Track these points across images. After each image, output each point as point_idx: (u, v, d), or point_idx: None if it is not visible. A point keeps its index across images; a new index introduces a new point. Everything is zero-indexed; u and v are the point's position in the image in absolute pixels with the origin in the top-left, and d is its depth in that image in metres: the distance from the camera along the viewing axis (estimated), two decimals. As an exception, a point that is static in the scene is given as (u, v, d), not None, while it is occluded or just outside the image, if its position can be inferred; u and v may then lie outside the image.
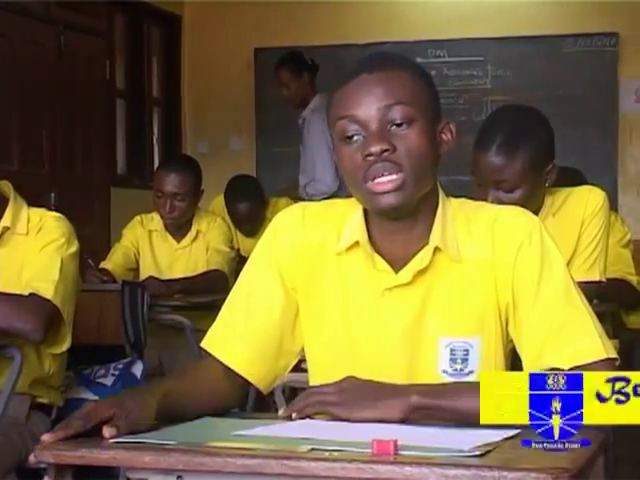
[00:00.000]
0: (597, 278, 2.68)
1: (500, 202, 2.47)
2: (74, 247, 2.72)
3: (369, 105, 1.59)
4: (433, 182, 1.65)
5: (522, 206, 2.43)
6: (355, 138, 1.60)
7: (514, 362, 1.66)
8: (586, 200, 2.68)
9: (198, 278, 4.10)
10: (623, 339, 4.00)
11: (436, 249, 1.62)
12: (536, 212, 2.53)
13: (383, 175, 1.57)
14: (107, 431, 1.39)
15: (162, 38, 7.72)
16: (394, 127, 1.58)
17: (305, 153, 5.81)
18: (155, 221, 4.22)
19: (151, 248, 4.22)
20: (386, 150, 1.57)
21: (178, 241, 4.22)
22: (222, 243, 4.23)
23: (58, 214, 2.78)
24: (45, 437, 1.39)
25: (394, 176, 1.57)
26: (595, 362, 1.53)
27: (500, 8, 7.19)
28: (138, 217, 4.32)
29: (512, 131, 2.53)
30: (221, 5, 7.55)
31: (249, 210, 5.00)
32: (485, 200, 2.47)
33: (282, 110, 7.46)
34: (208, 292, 3.98)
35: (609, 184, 6.31)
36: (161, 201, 4.12)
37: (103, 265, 4.15)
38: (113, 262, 4.17)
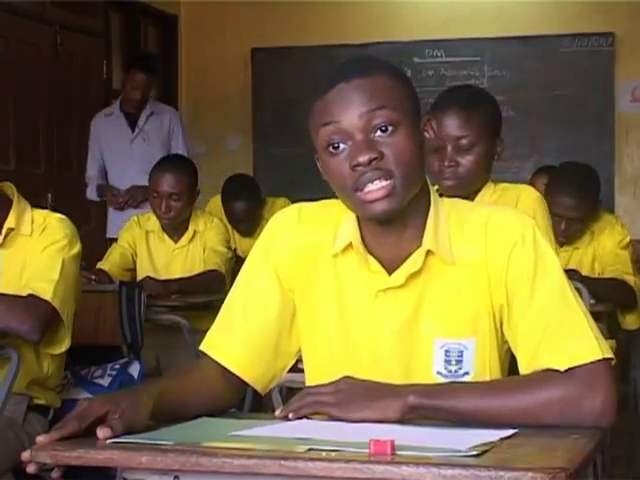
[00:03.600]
0: None
1: (456, 164, 2.56)
2: (76, 248, 2.73)
3: (351, 113, 1.57)
4: (422, 183, 1.64)
5: (468, 177, 2.55)
6: (341, 148, 1.58)
7: (511, 363, 1.66)
8: (515, 199, 2.67)
9: (195, 278, 4.10)
10: (620, 339, 4.02)
11: (429, 251, 1.62)
12: (472, 197, 2.58)
13: (374, 182, 1.56)
14: (101, 432, 1.39)
15: (159, 38, 7.72)
16: (379, 133, 1.57)
17: (162, 147, 5.63)
18: (152, 221, 4.22)
19: (148, 248, 4.22)
20: (374, 159, 1.56)
21: (175, 241, 4.22)
22: (219, 243, 4.23)
23: (62, 215, 2.79)
24: (40, 438, 1.39)
25: (384, 182, 1.56)
26: (591, 363, 1.52)
27: (497, 8, 7.20)
28: (135, 217, 4.33)
29: (471, 93, 2.70)
30: (218, 5, 7.55)
31: (246, 210, 5.01)
32: (440, 165, 2.56)
33: (279, 110, 7.49)
34: (205, 292, 3.98)
35: (605, 184, 6.32)
36: (157, 201, 4.11)
37: (100, 266, 4.15)
38: (110, 263, 4.17)
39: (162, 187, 4.10)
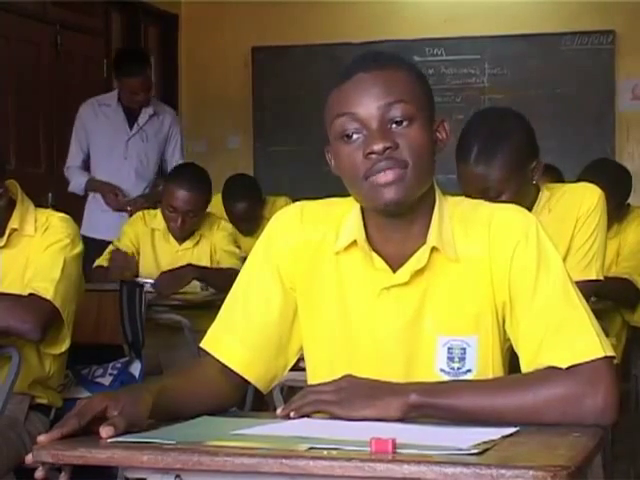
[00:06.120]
0: (594, 277, 2.68)
1: None
2: (78, 248, 2.73)
3: (369, 103, 1.58)
4: (431, 181, 1.65)
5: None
6: (355, 137, 1.59)
7: (512, 361, 1.66)
8: (581, 197, 2.67)
9: (219, 271, 4.04)
10: (621, 337, 4.00)
11: (433, 248, 1.62)
12: (530, 207, 2.53)
13: (386, 171, 1.57)
14: (104, 431, 1.39)
15: (159, 37, 7.72)
16: (394, 125, 1.59)
17: (159, 149, 5.30)
18: (158, 220, 4.18)
19: (152, 247, 4.19)
20: (389, 148, 1.57)
21: (180, 243, 4.20)
22: (230, 243, 4.23)
23: (64, 215, 2.79)
24: (41, 438, 1.39)
25: (396, 170, 1.57)
26: (593, 361, 1.52)
27: (497, 6, 7.20)
28: (140, 213, 4.28)
29: (488, 138, 2.50)
30: (218, 4, 7.55)
31: (247, 209, 5.00)
32: None
33: (280, 109, 7.49)
34: (222, 289, 3.92)
35: (606, 182, 6.31)
36: (172, 215, 4.08)
37: (100, 263, 4.12)
38: (109, 261, 4.14)
39: (179, 203, 4.05)
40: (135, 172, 5.24)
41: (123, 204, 5.13)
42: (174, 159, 5.35)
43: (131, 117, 5.27)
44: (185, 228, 4.12)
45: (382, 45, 7.00)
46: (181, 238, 4.18)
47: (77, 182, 5.19)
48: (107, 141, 5.23)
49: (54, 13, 6.04)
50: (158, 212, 4.20)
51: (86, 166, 5.23)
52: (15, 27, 5.74)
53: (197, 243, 4.20)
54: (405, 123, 1.58)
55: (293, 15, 7.43)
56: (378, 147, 1.56)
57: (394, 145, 1.57)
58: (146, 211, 4.28)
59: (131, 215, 5.07)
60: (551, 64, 7.07)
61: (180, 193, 4.07)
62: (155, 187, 5.28)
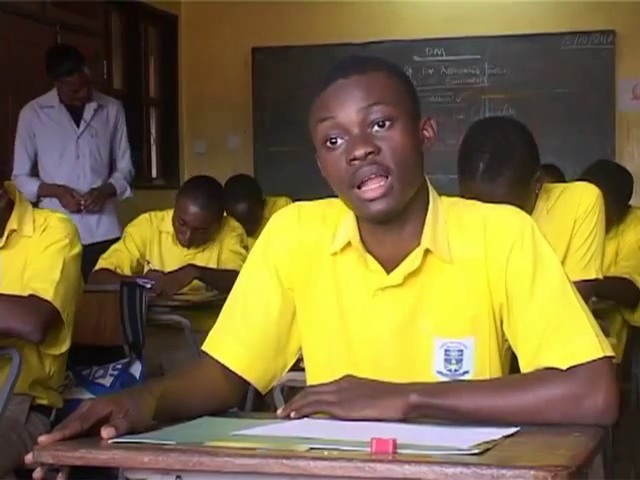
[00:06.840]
0: (593, 276, 2.68)
1: None
2: (77, 248, 2.73)
3: (349, 108, 1.58)
4: (421, 181, 1.64)
5: None
6: (338, 143, 1.59)
7: (512, 362, 1.66)
8: (579, 197, 2.67)
9: (224, 273, 4.02)
10: (621, 337, 4.00)
11: (427, 250, 1.62)
12: (530, 210, 2.53)
13: (370, 179, 1.56)
14: (105, 432, 1.39)
15: (159, 38, 7.73)
16: (376, 128, 1.57)
17: (108, 142, 5.24)
18: (166, 223, 4.13)
19: (160, 250, 4.13)
20: (371, 152, 1.56)
21: (187, 247, 4.16)
22: (238, 244, 4.20)
23: (63, 215, 2.79)
24: (42, 439, 1.38)
25: (382, 181, 1.56)
26: (593, 361, 1.52)
27: (497, 6, 7.20)
28: (147, 215, 4.21)
29: (492, 156, 2.50)
30: (218, 4, 7.56)
31: (247, 210, 5.00)
32: None
33: (279, 109, 7.49)
34: (224, 290, 3.90)
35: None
36: (182, 228, 4.04)
37: (104, 265, 4.07)
38: (115, 263, 4.10)
39: (190, 218, 4.01)
40: (91, 169, 5.18)
41: (79, 202, 5.07)
42: (121, 149, 5.33)
43: (75, 115, 5.17)
44: (193, 241, 4.09)
45: (381, 45, 7.01)
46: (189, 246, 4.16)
47: (29, 190, 5.01)
48: (56, 143, 5.13)
49: (54, 13, 6.04)
50: (165, 214, 4.15)
51: (34, 172, 5.14)
52: (15, 27, 5.74)
53: (206, 248, 4.17)
54: (387, 124, 1.57)
55: (293, 16, 7.43)
56: (360, 153, 1.56)
57: (376, 149, 1.56)
58: (153, 213, 4.22)
59: (87, 207, 5.06)
60: (551, 64, 7.08)
61: (192, 209, 4.02)
62: (108, 179, 5.26)
